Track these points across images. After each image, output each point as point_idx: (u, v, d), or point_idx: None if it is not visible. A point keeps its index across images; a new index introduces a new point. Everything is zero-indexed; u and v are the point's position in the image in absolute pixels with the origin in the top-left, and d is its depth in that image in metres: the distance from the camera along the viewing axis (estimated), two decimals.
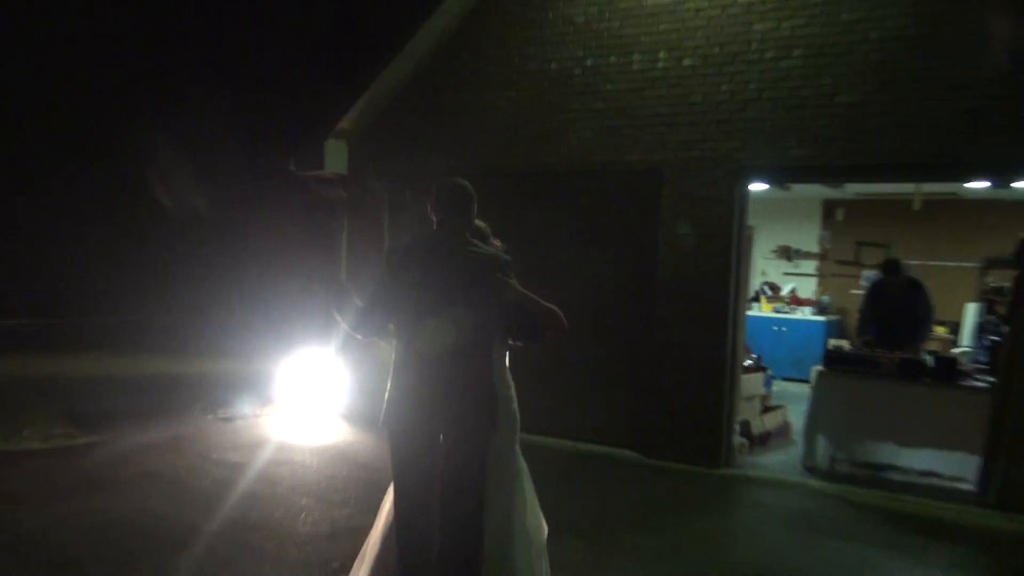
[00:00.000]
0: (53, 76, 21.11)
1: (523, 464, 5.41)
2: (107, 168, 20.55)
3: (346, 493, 8.07)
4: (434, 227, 5.04)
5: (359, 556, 5.42)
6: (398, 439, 5.01)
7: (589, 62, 10.13)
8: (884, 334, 10.29)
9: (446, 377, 4.83)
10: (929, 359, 9.63)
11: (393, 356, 5.03)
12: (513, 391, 5.40)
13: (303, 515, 7.40)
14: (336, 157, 12.07)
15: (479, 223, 5.44)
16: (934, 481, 9.15)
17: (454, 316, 4.81)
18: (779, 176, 10.00)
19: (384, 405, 5.01)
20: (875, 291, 10.76)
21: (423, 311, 4.86)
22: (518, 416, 5.41)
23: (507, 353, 5.43)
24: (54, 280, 19.58)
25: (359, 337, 5.13)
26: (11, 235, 20.47)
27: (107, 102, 20.71)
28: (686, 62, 9.53)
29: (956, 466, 9.10)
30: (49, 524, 6.88)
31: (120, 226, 19.80)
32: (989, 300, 13.78)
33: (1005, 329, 8.81)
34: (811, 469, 9.51)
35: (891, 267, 10.49)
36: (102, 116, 20.80)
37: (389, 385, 5.01)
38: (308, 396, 11.57)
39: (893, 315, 10.37)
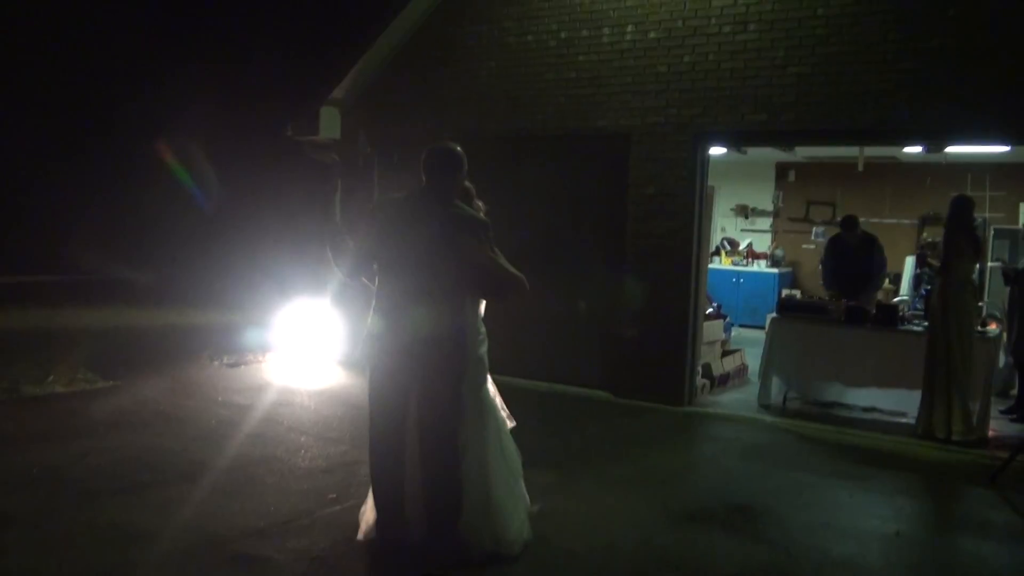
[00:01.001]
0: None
1: (491, 400, 5.43)
2: (117, 133, 20.33)
3: (341, 432, 8.08)
4: (422, 186, 5.03)
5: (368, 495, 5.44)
6: (375, 381, 5.07)
7: (563, 35, 10.06)
8: (840, 285, 10.31)
9: (419, 325, 4.85)
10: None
11: (373, 301, 5.04)
12: (484, 337, 5.41)
13: (302, 452, 7.40)
14: (330, 123, 12.00)
15: (466, 184, 5.43)
16: (876, 416, 9.25)
17: (429, 269, 4.82)
18: (736, 140, 10.03)
19: (361, 345, 5.04)
20: (833, 246, 10.77)
21: (401, 261, 4.87)
22: (486, 360, 5.41)
23: (481, 303, 5.44)
24: (71, 239, 19.43)
25: (350, 280, 5.14)
26: (33, 197, 20.30)
27: (108, 68, 20.41)
28: (652, 35, 9.48)
29: (896, 402, 9.19)
30: (72, 460, 6.86)
31: (128, 189, 19.61)
32: (924, 254, 13.89)
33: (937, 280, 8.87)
34: (766, 406, 9.58)
35: (849, 223, 10.50)
36: (107, 83, 20.52)
37: (367, 328, 5.03)
38: (306, 343, 11.56)
39: (849, 268, 10.39)
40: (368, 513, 5.36)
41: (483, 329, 5.43)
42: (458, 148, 5.07)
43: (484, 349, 5.39)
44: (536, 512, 5.77)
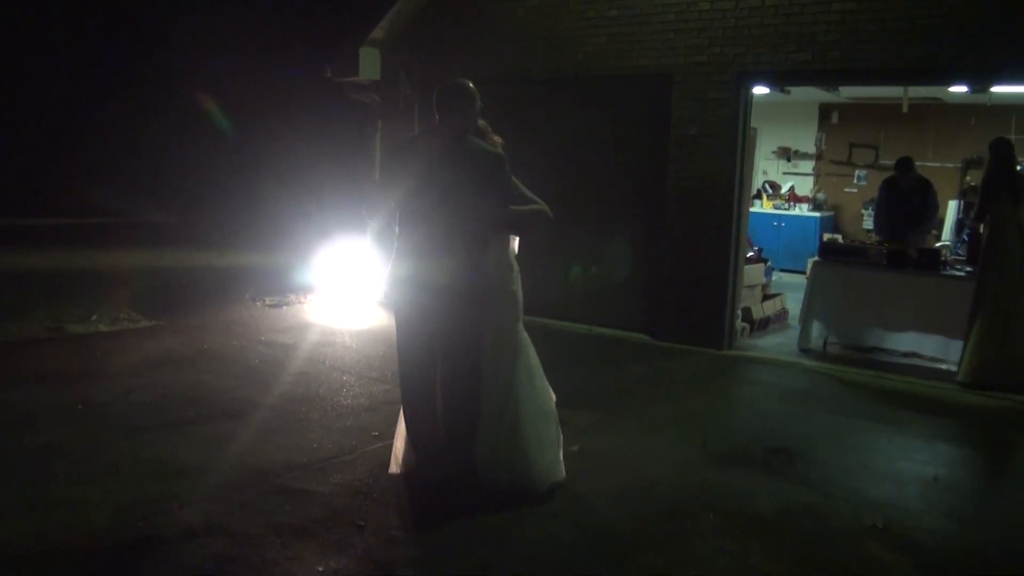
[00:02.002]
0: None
1: (526, 339, 5.45)
2: (158, 78, 20.38)
3: (382, 371, 8.14)
4: (436, 124, 5.02)
5: (397, 428, 5.51)
6: (401, 320, 5.15)
7: None
8: (893, 228, 10.18)
9: (440, 263, 4.88)
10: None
11: (396, 241, 5.06)
12: (516, 274, 5.43)
13: (344, 390, 7.48)
14: (370, 64, 11.97)
15: (479, 121, 5.41)
16: (916, 362, 9.16)
17: (447, 206, 4.82)
18: (780, 79, 9.85)
19: (387, 285, 5.08)
20: (888, 188, 10.62)
21: (420, 200, 4.88)
22: (519, 297, 5.44)
23: (511, 240, 5.44)
24: (115, 182, 19.59)
25: (375, 221, 5.16)
26: (77, 141, 20.44)
27: (146, 11, 20.41)
28: None
29: (936, 348, 9.10)
30: (115, 397, 6.97)
31: (170, 132, 19.69)
32: (967, 198, 13.70)
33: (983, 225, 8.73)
34: (805, 351, 9.53)
35: (904, 165, 10.32)
36: (146, 26, 20.53)
37: (391, 269, 5.06)
38: (347, 284, 11.62)
39: (903, 210, 10.24)
40: (399, 446, 5.43)
41: (516, 266, 5.44)
42: (470, 84, 5.04)
43: (516, 286, 5.41)
44: (576, 452, 5.80)
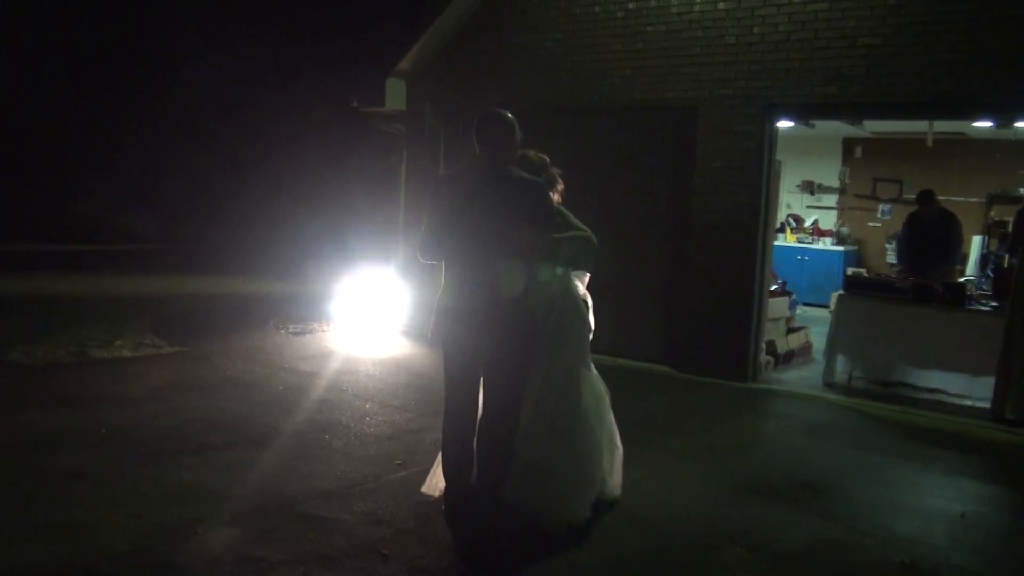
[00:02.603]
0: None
1: (589, 377, 5.52)
2: (186, 109, 20.60)
3: (406, 399, 8.13)
4: (477, 156, 5.01)
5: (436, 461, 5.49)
6: (449, 352, 5.09)
7: (631, 5, 9.95)
8: (916, 261, 10.12)
9: (486, 294, 4.85)
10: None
11: (442, 276, 5.05)
12: (582, 310, 5.45)
13: (367, 418, 7.46)
14: (396, 95, 12.00)
15: (534, 154, 5.41)
16: (941, 397, 9.06)
17: (493, 237, 4.80)
18: (806, 113, 9.87)
19: (433, 320, 5.06)
20: (911, 221, 10.56)
21: (466, 233, 4.86)
22: (583, 334, 5.53)
23: (575, 275, 5.46)
24: (142, 210, 19.78)
25: (425, 262, 5.14)
26: (104, 170, 20.69)
27: (176, 43, 20.69)
28: (721, 5, 9.34)
29: (961, 384, 9.00)
30: (139, 421, 6.98)
31: (196, 162, 19.89)
32: (992, 234, 13.64)
33: (1011, 260, 8.66)
34: (830, 385, 9.45)
35: (925, 198, 10.28)
36: (176, 58, 20.80)
37: (437, 302, 5.04)
38: (370, 313, 11.63)
39: (927, 244, 10.19)
40: (438, 471, 5.41)
41: (584, 302, 5.47)
42: (508, 114, 5.04)
43: (579, 323, 5.46)
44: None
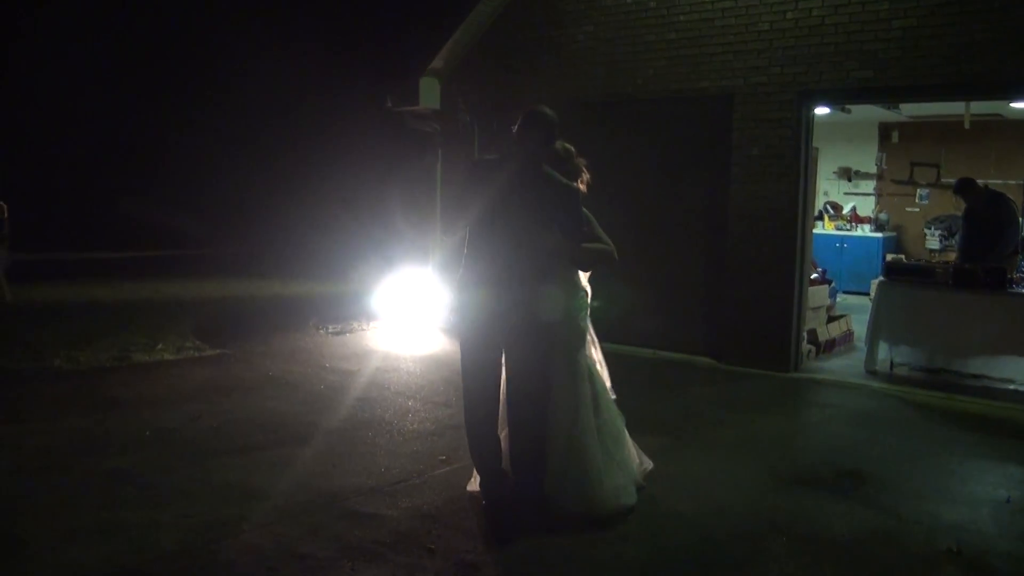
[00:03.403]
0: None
1: (587, 365, 5.46)
2: (223, 112, 20.77)
3: (447, 396, 8.14)
4: (515, 150, 5.03)
5: None
6: (466, 345, 5.16)
7: None
8: (971, 250, 10.00)
9: (510, 289, 4.88)
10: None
11: (463, 266, 5.07)
12: (583, 302, 5.42)
13: (410, 415, 7.49)
14: (429, 93, 12.04)
15: (560, 145, 5.41)
16: (985, 383, 8.95)
17: (516, 233, 4.82)
18: (841, 98, 9.79)
19: (453, 311, 5.09)
20: (967, 215, 10.41)
21: (490, 224, 4.88)
22: (585, 325, 5.45)
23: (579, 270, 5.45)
24: (182, 215, 19.97)
25: (445, 236, 5.19)
26: (142, 176, 20.91)
27: (211, 45, 20.85)
28: None
29: (1005, 369, 8.90)
30: (182, 422, 7.04)
31: (236, 166, 20.05)
32: None
33: None
34: (872, 372, 9.37)
35: (965, 187, 10.16)
36: (208, 59, 20.97)
37: (458, 288, 5.06)
38: (410, 311, 11.66)
39: (979, 231, 10.06)
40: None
41: (583, 294, 5.44)
42: (550, 112, 5.05)
43: (583, 314, 5.41)
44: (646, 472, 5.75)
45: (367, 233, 13.75)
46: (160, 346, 9.94)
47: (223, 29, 20.56)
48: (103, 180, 20.65)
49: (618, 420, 5.58)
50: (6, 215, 11.67)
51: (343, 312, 12.23)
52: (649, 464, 5.80)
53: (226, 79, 20.62)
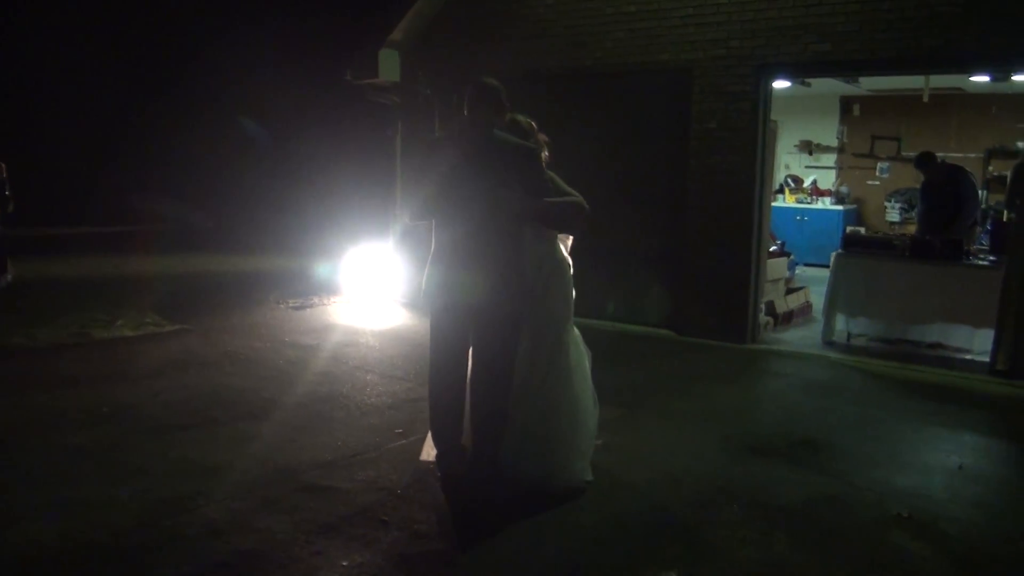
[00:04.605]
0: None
1: (572, 339, 5.52)
2: (182, 86, 20.56)
3: (406, 370, 8.17)
4: (468, 121, 5.06)
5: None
6: (436, 313, 5.16)
7: None
8: (931, 223, 10.12)
9: (477, 262, 4.90)
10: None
11: (432, 238, 5.10)
12: (565, 272, 5.47)
13: (368, 389, 7.51)
14: (389, 66, 11.97)
15: (521, 118, 5.44)
16: (941, 352, 9.13)
17: (483, 203, 4.85)
18: (800, 71, 9.85)
19: (424, 281, 5.11)
20: (924, 190, 10.53)
21: (456, 196, 4.91)
22: (569, 297, 5.54)
23: (557, 238, 5.48)
24: (141, 191, 19.82)
25: (417, 223, 5.22)
26: (104, 151, 20.68)
27: (173, 20, 20.62)
28: None
29: (961, 338, 9.06)
30: (143, 398, 7.03)
31: (195, 139, 19.88)
32: (991, 189, 13.64)
33: (1010, 215, 8.66)
34: (830, 343, 9.50)
35: (925, 161, 10.27)
36: (173, 36, 20.74)
37: (428, 264, 5.09)
38: (370, 286, 11.67)
39: (939, 204, 10.16)
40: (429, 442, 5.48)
41: (567, 264, 5.49)
42: (495, 82, 5.09)
43: (565, 285, 5.48)
44: (600, 445, 5.80)
45: (327, 207, 13.72)
46: (120, 322, 9.88)
47: None
48: (59, 156, 20.40)
49: (588, 397, 5.61)
50: (5, 175, 11.09)
51: (304, 287, 12.22)
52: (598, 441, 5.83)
53: (181, 48, 20.42)
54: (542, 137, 5.52)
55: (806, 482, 5.58)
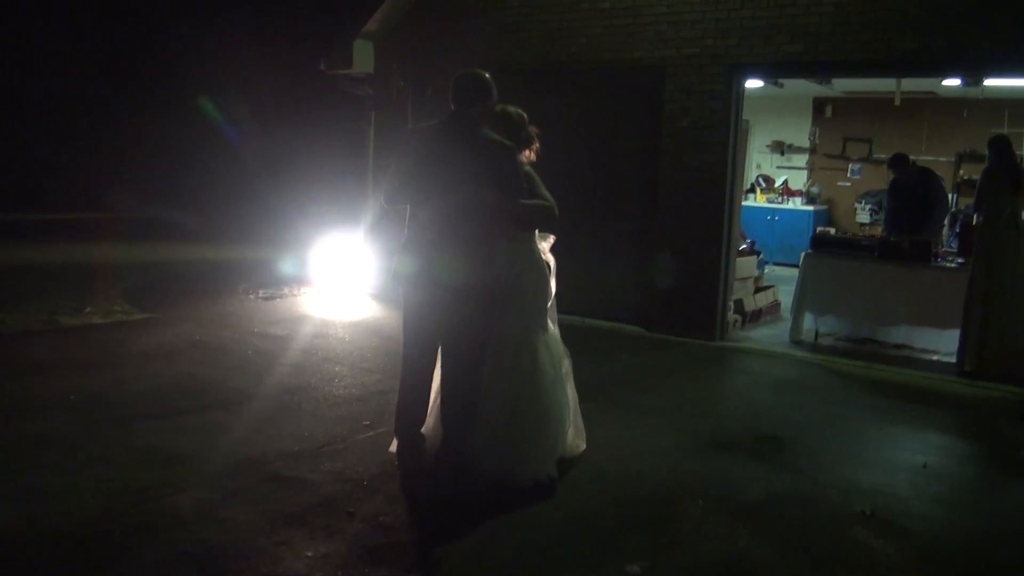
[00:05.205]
0: None
1: (548, 337, 5.57)
2: (154, 76, 20.43)
3: (375, 362, 8.17)
4: (451, 113, 5.07)
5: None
6: (408, 310, 5.19)
7: None
8: (900, 224, 10.19)
9: (450, 255, 4.92)
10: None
11: (407, 225, 5.11)
12: (544, 269, 5.50)
13: (337, 380, 7.50)
14: (363, 57, 11.94)
15: (514, 111, 5.46)
16: (907, 353, 9.23)
17: (457, 196, 4.87)
18: (772, 72, 9.94)
19: (395, 264, 5.12)
20: (892, 189, 10.62)
21: (431, 189, 4.92)
22: (547, 292, 5.56)
23: (536, 236, 5.50)
24: (111, 179, 19.65)
25: (388, 206, 5.24)
26: (74, 138, 20.51)
27: (146, 12, 20.48)
28: None
29: (928, 339, 9.18)
30: (110, 387, 6.98)
31: (165, 129, 19.74)
32: (961, 192, 13.79)
33: (978, 218, 8.77)
34: (797, 342, 9.57)
35: (897, 161, 10.36)
36: (145, 26, 20.59)
37: (400, 247, 5.10)
38: (340, 277, 11.65)
39: (910, 206, 10.23)
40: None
41: (547, 262, 5.52)
42: (486, 75, 5.09)
43: (543, 281, 5.50)
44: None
45: (298, 198, 13.67)
46: (88, 309, 9.81)
47: None
48: (28, 143, 20.22)
49: (562, 396, 5.62)
50: None
51: (274, 277, 12.17)
52: (583, 445, 5.85)
53: (150, 35, 20.28)
54: (533, 129, 5.54)
55: (770, 478, 5.63)
